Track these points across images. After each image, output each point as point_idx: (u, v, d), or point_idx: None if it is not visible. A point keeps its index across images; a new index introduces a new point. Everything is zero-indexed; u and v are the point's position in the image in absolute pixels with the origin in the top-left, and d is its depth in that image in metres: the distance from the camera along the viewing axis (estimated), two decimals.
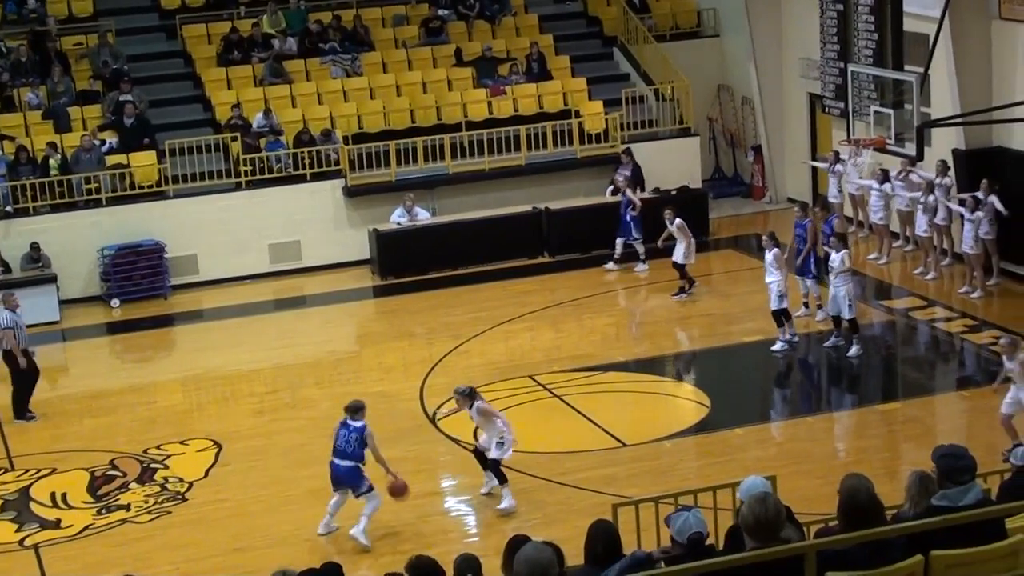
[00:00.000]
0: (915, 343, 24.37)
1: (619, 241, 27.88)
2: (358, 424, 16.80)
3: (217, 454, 20.25)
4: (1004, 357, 18.40)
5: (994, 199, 24.54)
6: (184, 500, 18.78)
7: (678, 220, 25.78)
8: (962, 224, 24.84)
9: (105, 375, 24.81)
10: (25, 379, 21.99)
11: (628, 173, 29.59)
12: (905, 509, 9.57)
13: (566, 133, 30.41)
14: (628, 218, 27.76)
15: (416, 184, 29.31)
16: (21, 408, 21.96)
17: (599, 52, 33.88)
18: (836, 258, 22.05)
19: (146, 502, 18.72)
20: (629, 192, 28.15)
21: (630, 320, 26.22)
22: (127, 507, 18.60)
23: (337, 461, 16.84)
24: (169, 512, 18.42)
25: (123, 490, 19.15)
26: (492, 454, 17.56)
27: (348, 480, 16.88)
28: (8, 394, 22.06)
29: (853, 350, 22.22)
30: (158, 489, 19.11)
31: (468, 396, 17.58)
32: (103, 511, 18.55)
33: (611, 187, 29.70)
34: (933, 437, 18.96)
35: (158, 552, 17.34)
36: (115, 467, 19.96)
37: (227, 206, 28.83)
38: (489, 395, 21.58)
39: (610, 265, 27.96)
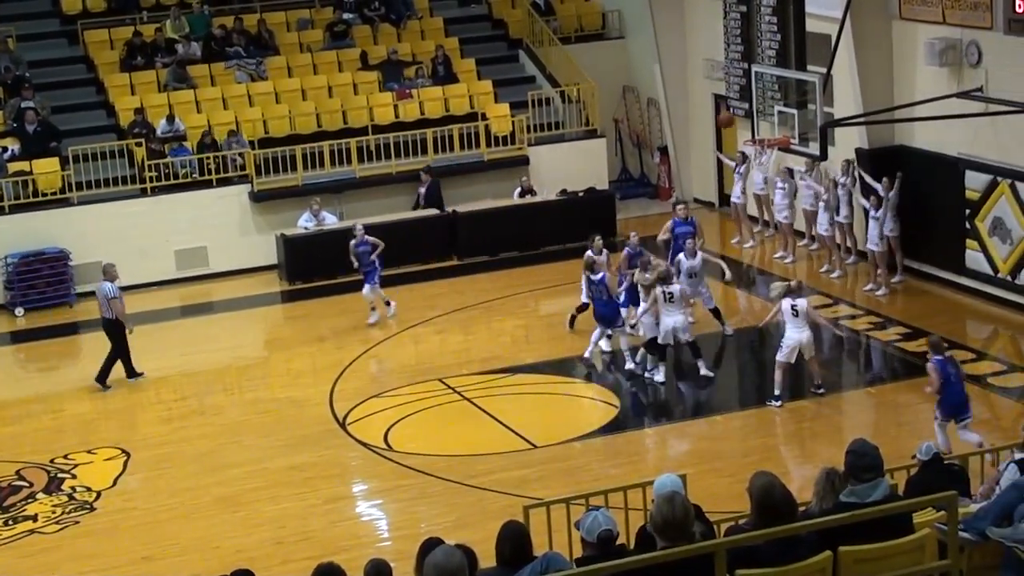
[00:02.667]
0: (821, 341, 24.56)
1: (368, 288, 25.43)
2: (599, 276, 21.72)
3: (125, 463, 20.07)
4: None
5: (894, 193, 24.85)
6: (92, 509, 18.59)
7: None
8: (866, 222, 25.08)
9: (10, 384, 24.50)
10: (124, 345, 23.13)
11: (423, 191, 29.23)
12: (812, 506, 9.67)
13: (473, 136, 30.41)
14: (373, 259, 25.42)
15: (323, 188, 29.21)
16: (131, 369, 23.37)
17: (505, 55, 33.90)
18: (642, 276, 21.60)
19: (53, 512, 18.52)
20: (369, 238, 25.64)
21: (538, 323, 26.23)
22: (34, 518, 18.39)
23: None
24: (77, 522, 18.23)
25: (30, 500, 18.93)
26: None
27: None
28: None
29: (658, 375, 21.77)
30: (66, 499, 18.91)
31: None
32: (10, 522, 18.31)
33: (518, 189, 29.75)
34: (840, 434, 19.18)
35: (67, 562, 17.17)
36: (21, 477, 19.73)
37: (132, 212, 28.53)
38: (399, 398, 21.68)
39: (390, 311, 25.79)
